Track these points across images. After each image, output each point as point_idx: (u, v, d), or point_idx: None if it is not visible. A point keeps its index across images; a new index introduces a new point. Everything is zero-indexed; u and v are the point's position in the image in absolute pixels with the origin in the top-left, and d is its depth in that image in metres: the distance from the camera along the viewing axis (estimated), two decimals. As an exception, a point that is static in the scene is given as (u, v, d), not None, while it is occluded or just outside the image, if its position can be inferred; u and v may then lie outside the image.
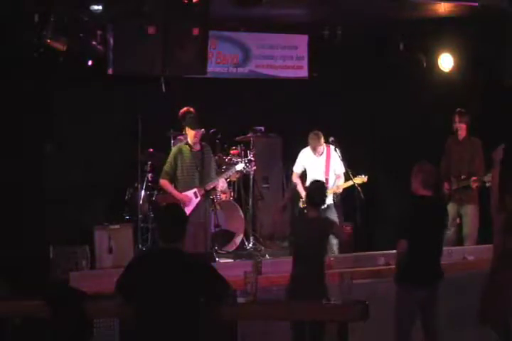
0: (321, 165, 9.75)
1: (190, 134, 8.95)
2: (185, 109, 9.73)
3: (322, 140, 9.68)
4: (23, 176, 9.24)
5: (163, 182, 9.00)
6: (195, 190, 8.84)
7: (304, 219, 7.40)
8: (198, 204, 8.87)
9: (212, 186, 9.17)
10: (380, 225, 10.87)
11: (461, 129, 10.00)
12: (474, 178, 9.68)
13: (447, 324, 7.82)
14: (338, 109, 11.29)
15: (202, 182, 8.89)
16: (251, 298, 5.81)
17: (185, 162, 8.88)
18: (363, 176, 9.75)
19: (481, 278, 7.37)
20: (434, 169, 7.30)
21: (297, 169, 9.97)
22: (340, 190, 9.69)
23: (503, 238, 7.20)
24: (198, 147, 8.96)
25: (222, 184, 9.99)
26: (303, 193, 9.39)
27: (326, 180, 9.56)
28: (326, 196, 7.43)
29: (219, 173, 9.69)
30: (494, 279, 7.21)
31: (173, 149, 9.05)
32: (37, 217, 9.25)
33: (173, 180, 8.93)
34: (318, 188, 7.32)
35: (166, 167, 8.98)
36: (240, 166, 9.90)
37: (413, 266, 6.94)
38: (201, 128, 9.00)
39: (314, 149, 9.72)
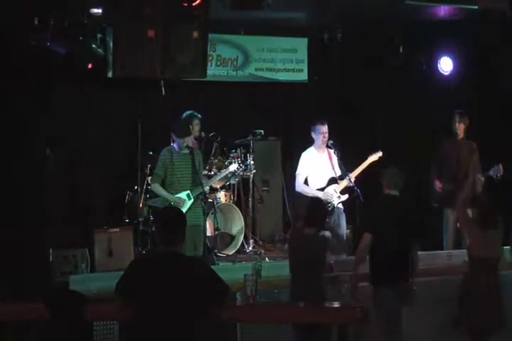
0: (326, 162, 9.66)
1: (177, 140, 8.90)
2: (188, 113, 9.72)
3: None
4: (23, 179, 9.25)
5: (155, 186, 8.94)
6: (188, 191, 8.81)
7: (300, 236, 7.36)
8: (192, 207, 8.82)
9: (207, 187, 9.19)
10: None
11: (460, 130, 10.05)
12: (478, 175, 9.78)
13: (446, 326, 7.84)
14: (338, 112, 11.29)
15: (193, 184, 8.85)
16: (250, 300, 5.82)
17: (175, 164, 8.83)
18: (378, 152, 9.69)
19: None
20: (396, 171, 7.40)
21: (304, 173, 9.64)
22: (353, 180, 9.41)
23: None
24: (186, 149, 8.89)
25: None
26: (318, 193, 9.41)
27: (334, 175, 9.58)
28: (326, 219, 7.50)
29: (212, 176, 9.75)
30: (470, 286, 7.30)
31: (162, 152, 8.96)
32: (37, 220, 9.26)
33: (164, 182, 8.89)
34: (320, 209, 7.39)
35: (157, 170, 8.93)
36: (233, 166, 9.88)
37: (380, 266, 7.01)
38: (185, 137, 8.92)
39: (323, 134, 9.60)
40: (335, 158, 9.67)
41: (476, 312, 7.14)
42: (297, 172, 9.70)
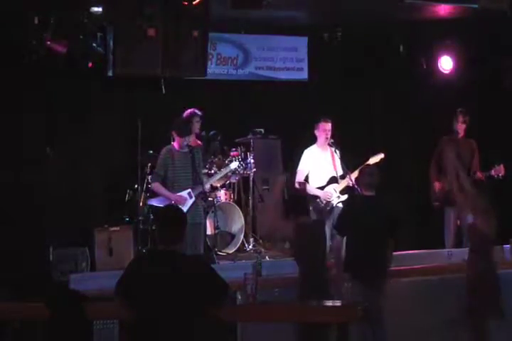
0: (328, 161, 9.68)
1: (177, 139, 8.91)
2: (189, 111, 9.71)
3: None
4: (23, 178, 9.25)
5: (155, 185, 8.93)
6: (189, 190, 8.81)
7: (300, 229, 7.37)
8: (193, 205, 8.82)
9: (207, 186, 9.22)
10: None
11: (461, 129, 10.07)
12: (479, 174, 9.80)
13: (446, 325, 7.85)
14: (338, 111, 11.28)
15: (194, 182, 8.86)
16: (251, 299, 5.82)
17: (175, 163, 8.84)
18: (379, 154, 9.71)
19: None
20: (369, 171, 7.38)
21: (305, 170, 9.69)
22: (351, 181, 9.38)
23: None
24: (186, 148, 8.91)
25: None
26: (318, 192, 9.45)
27: (335, 175, 9.59)
28: (305, 204, 7.50)
29: (212, 174, 9.78)
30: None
31: (162, 151, 8.97)
32: (37, 218, 9.25)
33: (165, 181, 8.89)
34: (296, 201, 7.38)
35: (157, 169, 8.94)
36: (234, 165, 9.90)
37: (353, 263, 7.03)
38: (186, 136, 8.93)
39: (326, 132, 9.62)
40: (337, 157, 9.68)
41: (478, 296, 7.21)
42: (298, 169, 9.72)
